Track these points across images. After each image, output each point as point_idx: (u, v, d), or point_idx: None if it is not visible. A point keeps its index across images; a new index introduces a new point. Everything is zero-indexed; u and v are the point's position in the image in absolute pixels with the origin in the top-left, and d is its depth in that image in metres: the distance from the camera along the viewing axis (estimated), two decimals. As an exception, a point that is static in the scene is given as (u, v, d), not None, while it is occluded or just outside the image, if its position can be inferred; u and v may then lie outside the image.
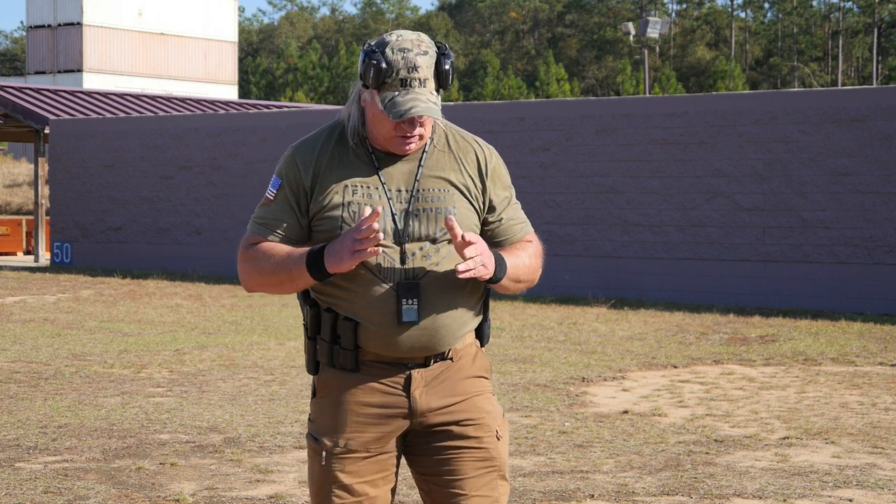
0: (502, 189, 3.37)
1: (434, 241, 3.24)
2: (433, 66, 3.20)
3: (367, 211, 3.11)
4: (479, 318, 3.34)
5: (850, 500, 6.18)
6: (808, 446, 7.43)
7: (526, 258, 3.34)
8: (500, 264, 3.25)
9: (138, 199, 22.01)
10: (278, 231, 3.27)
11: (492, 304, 16.03)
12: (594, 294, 16.70)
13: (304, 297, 3.34)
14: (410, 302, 3.19)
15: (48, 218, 24.88)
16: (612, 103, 17.65)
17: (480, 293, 3.34)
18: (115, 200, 22.28)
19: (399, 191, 3.25)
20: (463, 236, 3.12)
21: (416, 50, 3.18)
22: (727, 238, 16.31)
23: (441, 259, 3.24)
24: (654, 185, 16.85)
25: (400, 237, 3.22)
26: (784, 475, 6.67)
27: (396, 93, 3.16)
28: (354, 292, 3.22)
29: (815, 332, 13.07)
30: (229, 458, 7.00)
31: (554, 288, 17.31)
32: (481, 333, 3.37)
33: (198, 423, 8.03)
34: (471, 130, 3.48)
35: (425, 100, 3.16)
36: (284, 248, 3.23)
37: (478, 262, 3.15)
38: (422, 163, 3.28)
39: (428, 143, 3.30)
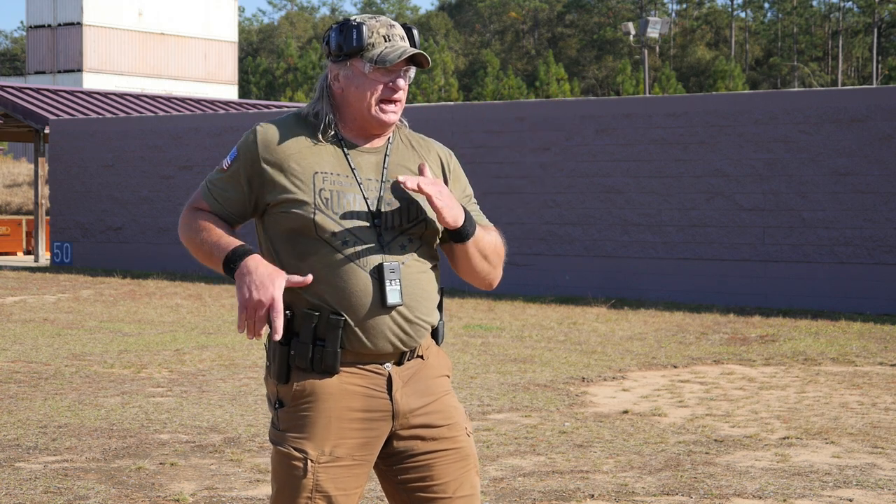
0: (462, 188, 3.41)
1: (404, 231, 3.26)
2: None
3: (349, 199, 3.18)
4: (438, 316, 3.36)
5: (850, 500, 6.18)
6: (808, 446, 7.43)
7: (491, 236, 3.36)
8: (469, 219, 3.28)
9: (138, 199, 22.01)
10: (221, 202, 3.28)
11: (492, 304, 15.90)
12: (594, 294, 16.70)
13: None
14: (393, 283, 3.20)
15: (48, 218, 24.88)
16: (612, 103, 17.64)
17: (438, 290, 3.35)
18: (115, 200, 22.29)
19: (370, 179, 3.27)
20: (419, 182, 3.16)
21: (383, 18, 3.29)
22: (727, 238, 16.30)
23: (415, 249, 3.27)
24: (654, 185, 16.85)
25: (376, 223, 3.23)
26: (784, 475, 6.66)
27: (383, 47, 3.22)
28: (336, 281, 3.20)
29: (815, 332, 13.07)
30: (229, 458, 6.99)
31: (554, 288, 17.32)
32: (436, 333, 3.38)
33: (198, 423, 8.03)
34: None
35: (411, 47, 3.25)
36: (219, 231, 3.24)
37: (444, 193, 3.20)
38: (388, 153, 3.31)
39: (391, 137, 3.34)
